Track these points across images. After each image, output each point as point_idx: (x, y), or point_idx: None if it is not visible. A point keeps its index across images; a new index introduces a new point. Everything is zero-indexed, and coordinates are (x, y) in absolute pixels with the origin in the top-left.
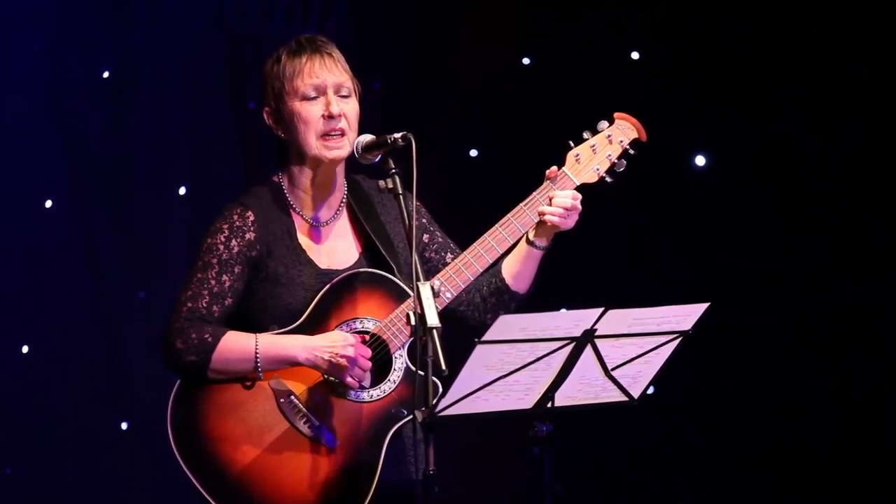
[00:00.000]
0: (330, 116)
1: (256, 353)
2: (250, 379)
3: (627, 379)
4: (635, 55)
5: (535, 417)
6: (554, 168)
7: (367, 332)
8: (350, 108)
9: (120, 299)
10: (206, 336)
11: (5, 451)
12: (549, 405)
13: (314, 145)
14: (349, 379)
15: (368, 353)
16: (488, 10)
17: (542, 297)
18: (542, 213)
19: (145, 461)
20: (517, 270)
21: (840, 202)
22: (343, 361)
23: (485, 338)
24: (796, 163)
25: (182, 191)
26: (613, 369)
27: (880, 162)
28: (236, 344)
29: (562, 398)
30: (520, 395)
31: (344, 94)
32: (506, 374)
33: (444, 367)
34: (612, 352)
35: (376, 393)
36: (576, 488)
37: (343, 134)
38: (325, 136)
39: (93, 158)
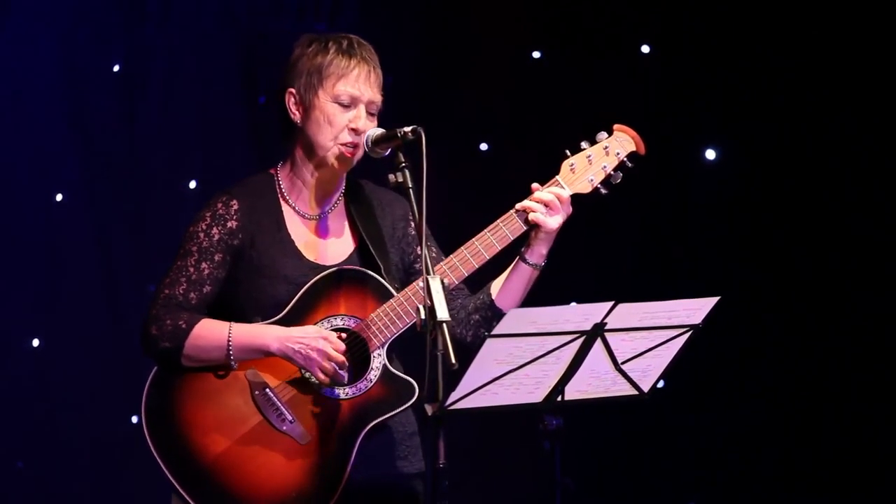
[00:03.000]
0: (356, 131)
1: (229, 341)
2: (223, 368)
3: (637, 373)
4: (646, 49)
5: (545, 411)
6: (536, 185)
7: (347, 330)
8: (371, 128)
9: (131, 293)
10: (181, 322)
11: (17, 446)
12: (559, 399)
13: (329, 148)
14: (320, 374)
15: (341, 347)
16: (499, 3)
17: (552, 290)
18: (523, 208)
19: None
20: (504, 286)
21: (850, 197)
22: (314, 354)
23: (495, 332)
24: (806, 157)
25: (192, 184)
26: (623, 363)
27: (890, 157)
28: (210, 332)
29: (572, 392)
30: (530, 388)
31: (373, 111)
32: (516, 368)
33: (453, 360)
34: (622, 345)
35: (352, 391)
36: (586, 482)
37: (356, 148)
38: (342, 145)
39: (104, 153)
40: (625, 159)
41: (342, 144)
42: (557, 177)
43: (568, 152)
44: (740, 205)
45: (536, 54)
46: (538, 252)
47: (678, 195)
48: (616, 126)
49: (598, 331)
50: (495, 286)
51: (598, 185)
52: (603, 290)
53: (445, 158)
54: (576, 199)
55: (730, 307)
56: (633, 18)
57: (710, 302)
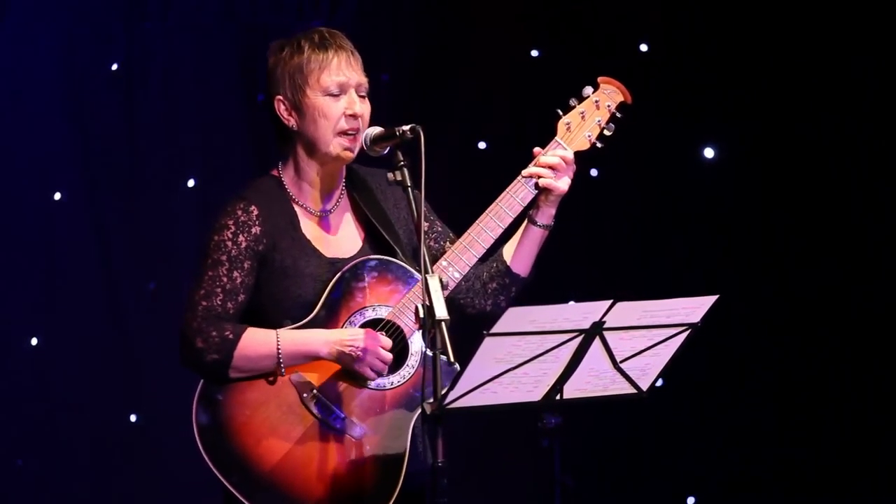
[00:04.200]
0: (353, 116)
1: (279, 349)
2: (269, 376)
3: (636, 371)
4: (644, 47)
5: (544, 410)
6: (538, 149)
7: (380, 320)
8: (367, 109)
9: (129, 291)
10: (227, 333)
11: (16, 443)
12: (558, 397)
13: (331, 142)
14: (370, 371)
15: (389, 343)
16: (497, 2)
17: (550, 289)
18: (531, 175)
19: (155, 453)
20: (517, 250)
21: (850, 195)
22: (364, 355)
23: (494, 330)
24: (805, 155)
25: (191, 183)
26: (622, 361)
27: (890, 155)
28: (257, 341)
29: (570, 390)
30: (529, 387)
31: (362, 94)
32: (514, 367)
33: (452, 359)
34: (621, 344)
35: (396, 379)
36: (585, 480)
37: (357, 134)
38: (343, 134)
39: (103, 151)
40: (615, 111)
41: (342, 134)
42: (556, 138)
43: (560, 112)
44: (739, 203)
45: (535, 53)
46: (548, 214)
47: (677, 193)
48: (601, 78)
49: (597, 329)
50: (507, 252)
51: (595, 141)
52: (601, 288)
53: (444, 157)
54: (578, 171)
55: (728, 305)
56: (632, 17)
57: (709, 301)
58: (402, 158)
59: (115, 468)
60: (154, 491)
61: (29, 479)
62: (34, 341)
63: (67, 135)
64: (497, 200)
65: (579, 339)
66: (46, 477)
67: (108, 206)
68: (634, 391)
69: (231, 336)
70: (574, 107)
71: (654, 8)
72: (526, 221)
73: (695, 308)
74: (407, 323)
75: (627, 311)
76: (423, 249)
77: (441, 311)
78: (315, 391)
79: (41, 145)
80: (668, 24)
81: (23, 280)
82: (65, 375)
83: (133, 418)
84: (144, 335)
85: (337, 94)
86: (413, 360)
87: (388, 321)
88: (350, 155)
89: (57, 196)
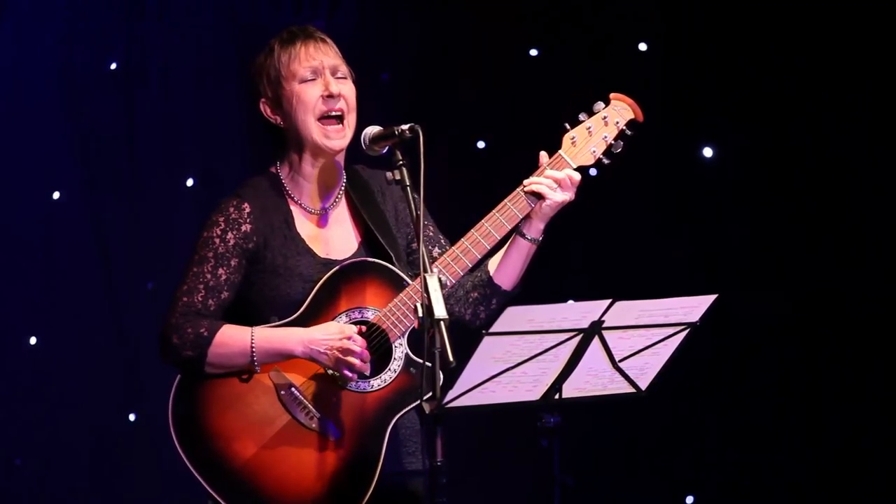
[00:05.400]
0: (329, 96)
1: (252, 346)
2: (247, 372)
3: (635, 370)
4: (643, 46)
5: (543, 409)
6: (544, 153)
7: (366, 322)
8: (348, 90)
9: (128, 290)
10: (202, 330)
11: (15, 443)
12: (557, 397)
13: (313, 129)
14: (347, 371)
15: (365, 344)
16: (497, 1)
17: (549, 288)
18: (530, 184)
19: (153, 452)
20: (502, 261)
21: (849, 194)
22: (340, 354)
23: (493, 329)
24: (804, 154)
25: (190, 182)
26: (621, 361)
27: (890, 155)
28: (232, 338)
29: (569, 390)
30: (528, 386)
31: (340, 76)
32: (513, 366)
33: (451, 358)
34: (620, 343)
35: (377, 383)
36: (584, 479)
37: (342, 119)
38: (325, 118)
39: (102, 150)
40: (624, 128)
41: (325, 118)
42: (560, 151)
43: (567, 125)
44: (738, 202)
45: (534, 52)
46: (536, 227)
47: (675, 192)
48: (613, 95)
49: (596, 328)
50: (492, 263)
51: (601, 156)
52: (600, 287)
53: (443, 156)
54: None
55: (728, 305)
56: (632, 17)
57: (708, 300)
58: (401, 157)
59: (114, 467)
60: (153, 490)
61: (28, 479)
62: (33, 340)
63: (66, 134)
64: (495, 210)
65: (578, 338)
66: (45, 476)
67: (107, 206)
68: (633, 390)
69: (206, 333)
70: (582, 121)
71: (653, 8)
72: (514, 234)
73: (693, 307)
74: (391, 327)
75: (626, 311)
76: (423, 249)
77: (440, 311)
78: (293, 389)
79: (40, 144)
80: (668, 24)
81: (22, 279)
82: (64, 375)
83: (132, 417)
84: (143, 334)
85: (312, 80)
86: (395, 365)
87: (373, 324)
88: (336, 144)
89: (56, 195)
